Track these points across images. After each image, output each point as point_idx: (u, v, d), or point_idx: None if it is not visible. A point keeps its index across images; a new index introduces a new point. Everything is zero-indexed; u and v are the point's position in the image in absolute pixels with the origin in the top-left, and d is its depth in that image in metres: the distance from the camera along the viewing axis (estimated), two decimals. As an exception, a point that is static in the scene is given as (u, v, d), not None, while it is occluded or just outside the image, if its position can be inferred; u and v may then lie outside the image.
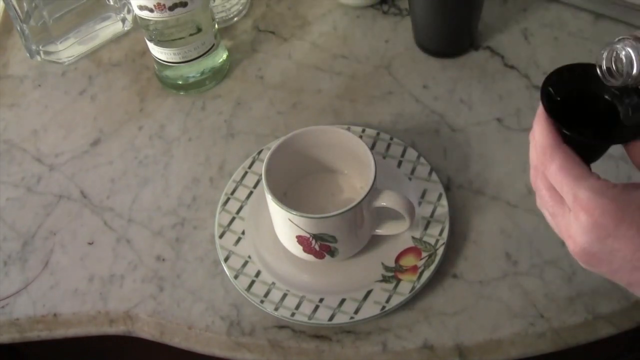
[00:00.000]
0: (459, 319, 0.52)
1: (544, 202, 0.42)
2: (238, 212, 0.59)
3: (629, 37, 0.39)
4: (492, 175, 0.60)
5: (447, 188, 0.59)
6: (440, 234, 0.56)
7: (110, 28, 0.76)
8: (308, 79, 0.70)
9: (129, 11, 0.76)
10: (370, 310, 0.52)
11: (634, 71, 0.39)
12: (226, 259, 0.56)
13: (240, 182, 0.61)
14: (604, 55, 0.41)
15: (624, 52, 0.39)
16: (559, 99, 0.42)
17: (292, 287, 0.54)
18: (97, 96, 0.71)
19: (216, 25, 0.69)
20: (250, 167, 0.62)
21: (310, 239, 0.52)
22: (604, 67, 0.41)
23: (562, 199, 0.40)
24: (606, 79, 0.41)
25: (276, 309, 0.53)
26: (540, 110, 0.41)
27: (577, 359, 0.61)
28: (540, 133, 0.41)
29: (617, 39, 0.40)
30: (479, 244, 0.56)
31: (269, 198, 0.52)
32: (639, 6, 0.67)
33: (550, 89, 0.42)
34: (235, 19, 0.76)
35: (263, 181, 0.52)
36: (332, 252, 0.53)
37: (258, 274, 0.55)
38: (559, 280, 0.53)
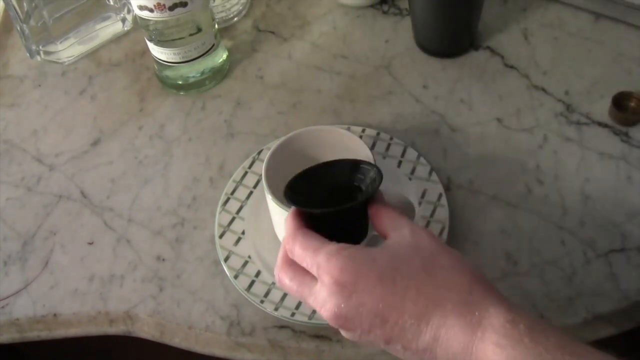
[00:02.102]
0: (459, 319, 0.52)
1: (293, 291, 0.43)
2: (238, 212, 0.59)
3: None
4: (492, 175, 0.60)
5: (447, 188, 0.59)
6: (440, 234, 0.56)
7: (110, 28, 0.76)
8: (308, 79, 0.70)
9: (129, 11, 0.76)
10: (370, 310, 0.52)
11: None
12: (226, 259, 0.56)
13: (240, 182, 0.61)
14: None
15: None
16: (304, 194, 0.45)
17: (292, 287, 0.54)
18: (97, 96, 0.71)
19: (216, 25, 0.69)
20: (250, 167, 0.62)
21: (310, 239, 0.52)
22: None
23: (305, 279, 0.41)
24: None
25: (276, 309, 0.53)
26: (290, 211, 0.44)
27: (577, 359, 0.61)
28: (286, 226, 0.43)
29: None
30: (479, 244, 0.56)
31: (269, 198, 0.52)
32: (638, 6, 0.67)
33: (296, 185, 0.46)
34: (235, 19, 0.76)
35: (263, 181, 0.52)
36: (332, 252, 0.53)
37: (258, 274, 0.55)
38: (559, 280, 0.53)
